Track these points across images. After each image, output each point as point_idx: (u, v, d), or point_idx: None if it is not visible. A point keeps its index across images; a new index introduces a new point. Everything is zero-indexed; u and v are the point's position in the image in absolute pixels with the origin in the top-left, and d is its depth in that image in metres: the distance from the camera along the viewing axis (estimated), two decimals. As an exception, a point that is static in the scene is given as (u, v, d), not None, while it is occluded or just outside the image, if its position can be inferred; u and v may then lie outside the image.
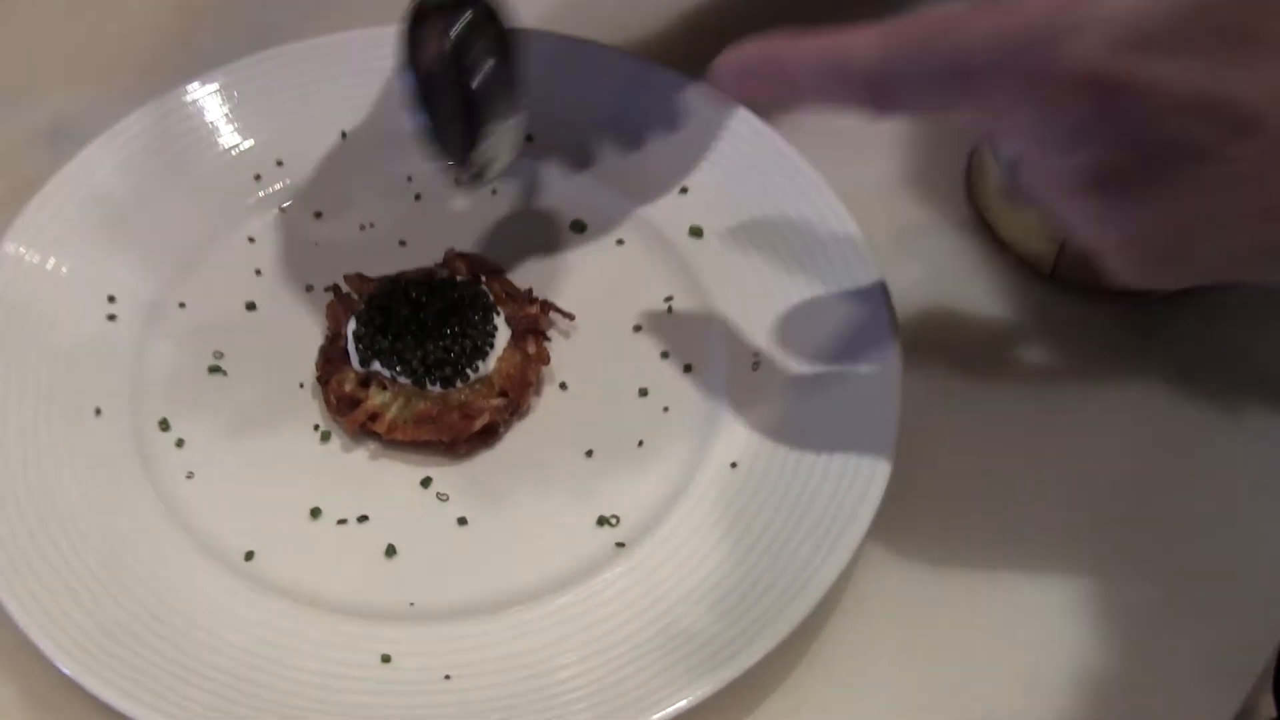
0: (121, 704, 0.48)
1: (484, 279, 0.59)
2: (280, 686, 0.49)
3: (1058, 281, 0.63)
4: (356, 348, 0.56)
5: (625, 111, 0.65)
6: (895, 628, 0.53)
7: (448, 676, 0.49)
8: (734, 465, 0.55)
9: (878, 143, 0.68)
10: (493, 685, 0.49)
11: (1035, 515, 0.56)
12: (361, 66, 0.66)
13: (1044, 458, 0.58)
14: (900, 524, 0.54)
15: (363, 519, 0.54)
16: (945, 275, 0.64)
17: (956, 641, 0.53)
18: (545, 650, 0.50)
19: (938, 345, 0.60)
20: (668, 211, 0.63)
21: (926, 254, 0.64)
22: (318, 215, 0.63)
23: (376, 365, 0.56)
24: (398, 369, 0.55)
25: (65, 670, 0.49)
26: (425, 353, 0.55)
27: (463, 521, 0.54)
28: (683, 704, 0.47)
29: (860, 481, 0.53)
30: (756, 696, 0.51)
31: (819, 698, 0.51)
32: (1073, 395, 0.60)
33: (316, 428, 0.57)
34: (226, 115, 0.65)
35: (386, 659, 0.50)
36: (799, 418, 0.56)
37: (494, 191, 0.64)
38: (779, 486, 0.54)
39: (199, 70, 0.65)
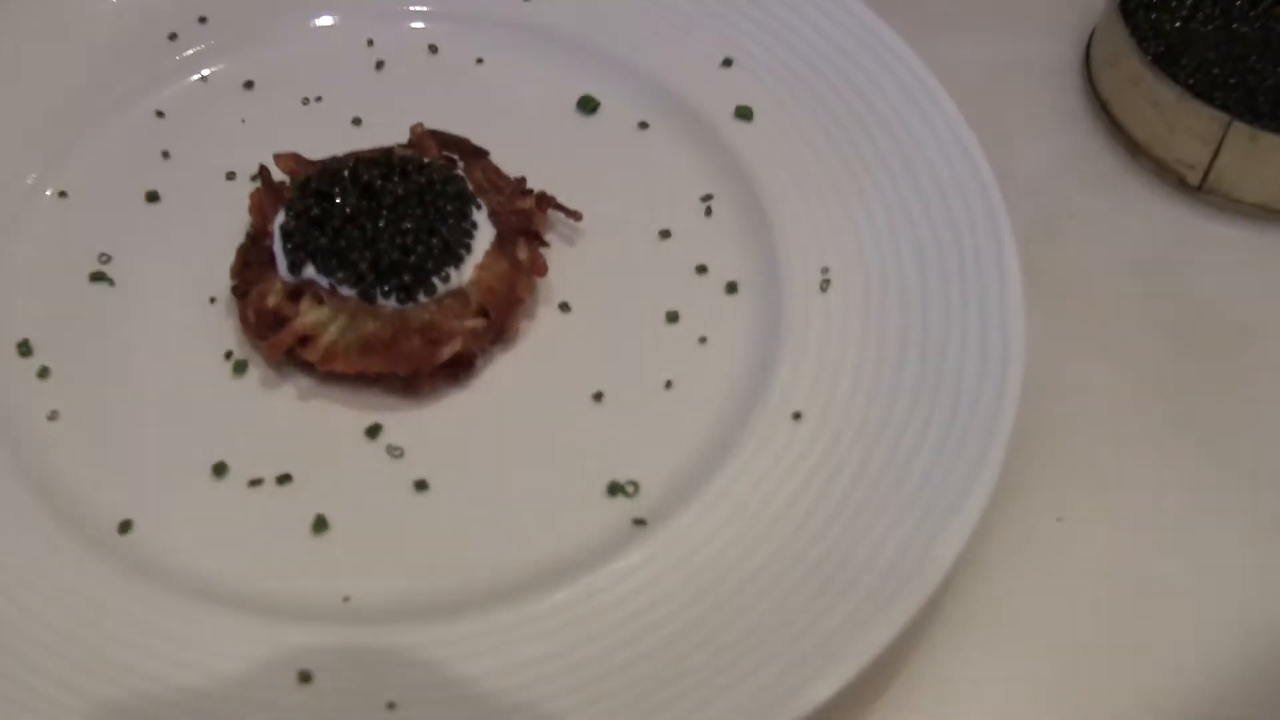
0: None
1: (461, 163, 0.44)
2: (161, 711, 0.34)
3: (1208, 195, 0.48)
4: (285, 247, 0.41)
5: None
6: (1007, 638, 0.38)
7: (391, 705, 0.34)
8: (797, 416, 0.40)
9: (977, 16, 0.53)
10: (449, 718, 0.34)
11: (1194, 501, 0.41)
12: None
13: (1199, 422, 0.43)
14: (1021, 505, 0.39)
15: (284, 479, 0.40)
16: (1065, 184, 0.50)
17: (1080, 662, 0.38)
18: (527, 670, 0.35)
19: (1060, 271, 0.46)
20: (706, 86, 0.48)
21: (1040, 157, 0.51)
22: (248, 85, 0.49)
23: (310, 271, 0.41)
24: (338, 275, 0.41)
25: None
26: (376, 253, 0.41)
27: (421, 486, 0.40)
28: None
29: (972, 446, 0.38)
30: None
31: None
32: (1232, 340, 0.45)
33: (229, 355, 0.42)
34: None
35: (306, 677, 0.35)
36: (887, 357, 0.41)
37: (479, 60, 0.49)
38: (860, 447, 0.39)
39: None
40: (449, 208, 0.42)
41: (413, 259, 0.41)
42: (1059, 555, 0.40)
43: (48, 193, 0.46)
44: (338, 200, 0.42)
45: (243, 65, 0.49)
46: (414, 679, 0.35)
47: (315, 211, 0.42)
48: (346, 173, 0.42)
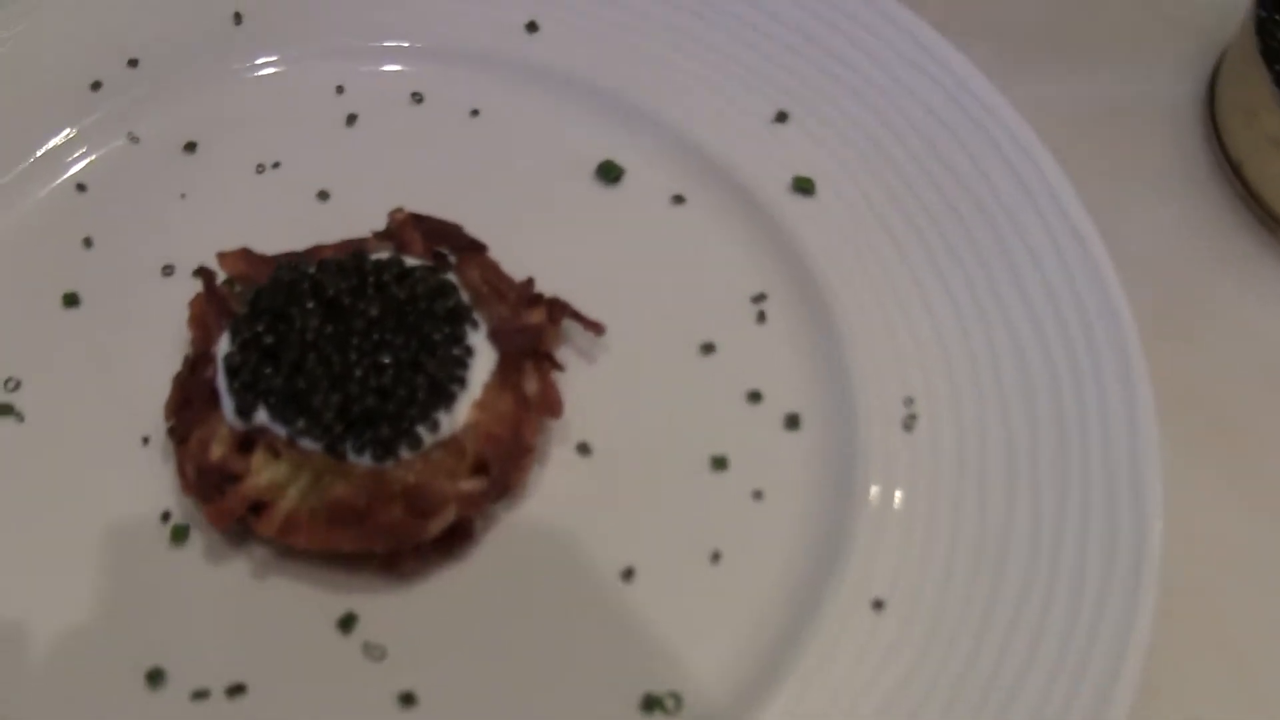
0: None
1: (453, 259, 0.35)
2: None
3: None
4: (231, 385, 0.33)
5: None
6: None
7: None
8: (878, 605, 0.32)
9: (1085, 53, 0.44)
10: None
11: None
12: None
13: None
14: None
15: (235, 691, 0.32)
16: (1188, 270, 0.41)
17: None
18: None
19: (1186, 381, 0.37)
20: (756, 150, 0.38)
21: (1155, 233, 0.41)
22: (189, 148, 0.40)
23: (262, 416, 0.32)
24: (298, 424, 0.32)
25: None
26: (346, 395, 0.32)
27: (408, 700, 0.31)
28: None
29: (1100, 654, 0.30)
30: None
31: None
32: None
33: (166, 517, 0.34)
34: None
35: None
36: (990, 523, 0.32)
37: (474, 112, 0.40)
38: (963, 649, 0.30)
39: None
40: (438, 330, 0.33)
41: (392, 405, 0.32)
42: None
43: (-56, 293, 0.37)
44: (296, 323, 0.33)
45: (182, 121, 0.40)
46: None
47: (268, 339, 0.33)
48: (307, 284, 0.33)
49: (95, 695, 0.32)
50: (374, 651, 0.32)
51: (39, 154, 0.39)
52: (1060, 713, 0.30)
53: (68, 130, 0.40)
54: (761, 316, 0.37)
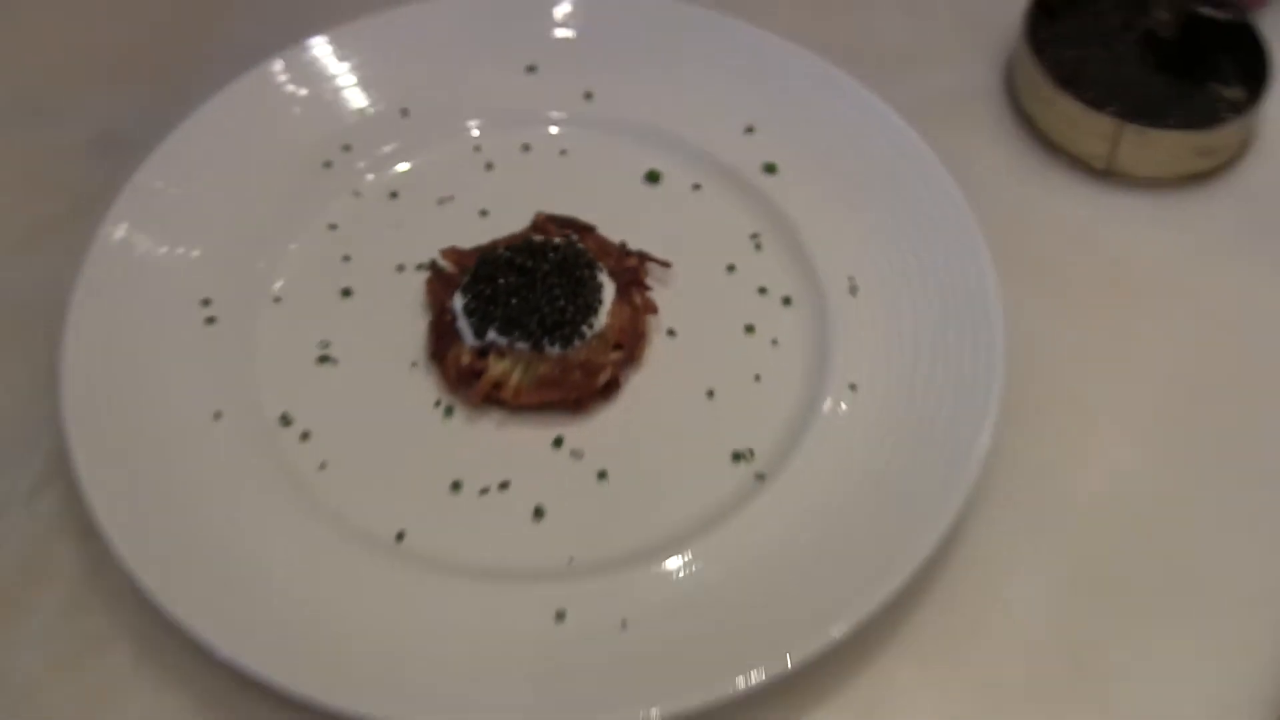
0: (314, 695, 0.48)
1: (576, 237, 0.60)
2: (455, 659, 0.50)
3: (1112, 176, 0.66)
4: (470, 321, 0.57)
5: (680, 56, 0.66)
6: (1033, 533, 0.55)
7: (624, 624, 0.51)
8: (853, 387, 0.57)
9: (922, 58, 0.70)
10: (665, 629, 0.50)
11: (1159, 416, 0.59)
12: (408, 43, 0.66)
13: (1142, 346, 0.60)
14: (1023, 434, 0.56)
15: (504, 485, 0.55)
16: (1008, 181, 0.66)
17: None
18: (712, 589, 0.51)
19: (1017, 250, 0.62)
20: (739, 152, 0.64)
21: (986, 162, 0.66)
22: (393, 195, 0.64)
23: (492, 335, 0.57)
24: (515, 335, 0.56)
25: (242, 664, 0.49)
26: (541, 316, 0.56)
27: (603, 475, 0.56)
28: (866, 612, 0.49)
29: (979, 390, 0.55)
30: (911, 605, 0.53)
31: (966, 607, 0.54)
32: (1150, 281, 0.62)
33: (438, 403, 0.58)
34: (285, 106, 0.65)
35: (561, 615, 0.51)
36: (906, 334, 0.57)
37: (563, 152, 0.65)
38: (900, 401, 0.56)
39: (239, 62, 0.65)
40: (581, 274, 0.58)
41: (567, 316, 0.57)
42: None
43: (267, 301, 0.61)
44: (501, 281, 0.57)
45: (386, 180, 0.64)
46: (635, 606, 0.51)
47: (488, 291, 0.57)
48: (503, 258, 0.58)
49: (425, 501, 0.55)
50: (576, 454, 0.56)
51: (303, 210, 0.63)
52: (960, 432, 0.55)
53: (317, 193, 0.64)
54: (759, 246, 0.61)
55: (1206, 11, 0.67)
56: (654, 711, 0.47)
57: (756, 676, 0.48)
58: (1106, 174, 0.66)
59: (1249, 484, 0.57)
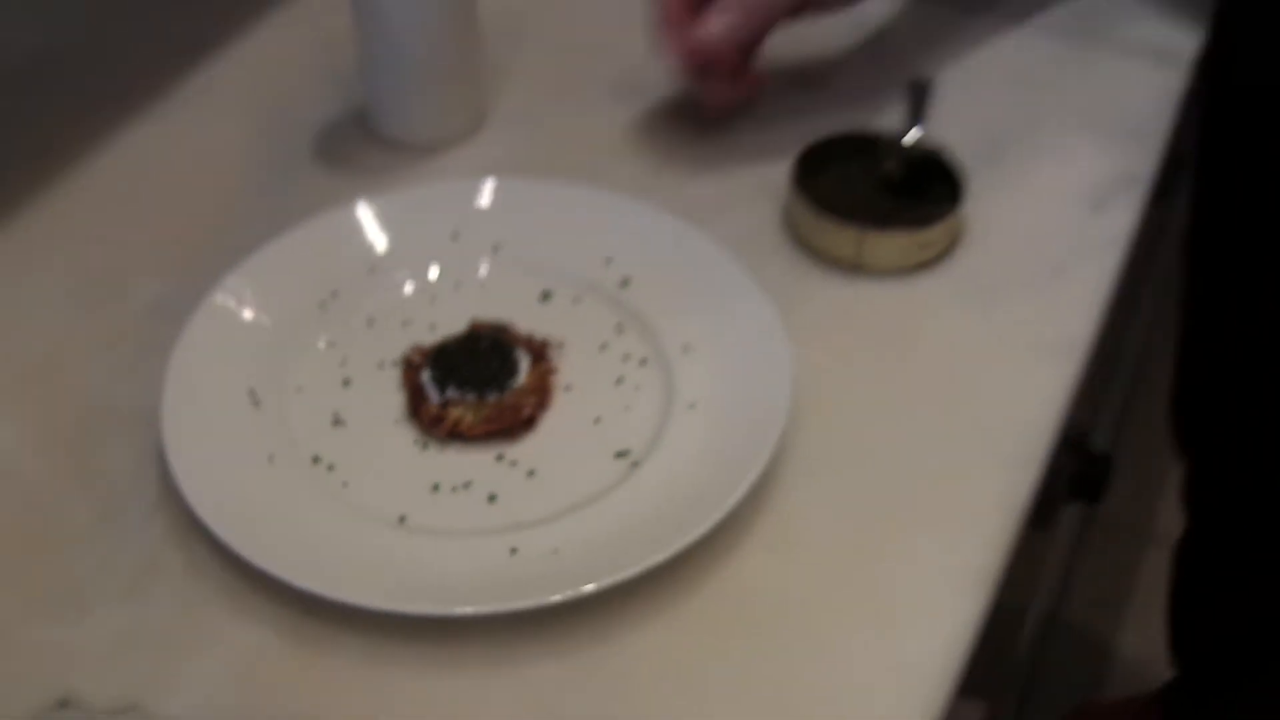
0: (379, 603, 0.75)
1: (502, 330, 0.91)
2: (452, 582, 0.77)
3: (860, 269, 0.98)
4: (434, 385, 0.87)
5: (565, 216, 0.98)
6: (820, 498, 0.85)
7: (555, 551, 0.79)
8: (692, 406, 0.87)
9: (726, 204, 1.03)
10: (581, 551, 0.79)
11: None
12: (384, 225, 0.98)
13: (885, 380, 0.92)
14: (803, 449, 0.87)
15: (467, 485, 0.84)
16: (789, 279, 0.97)
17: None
18: (599, 533, 0.80)
19: (798, 322, 0.93)
20: (603, 273, 0.96)
21: (774, 268, 0.98)
22: (370, 323, 0.94)
23: (450, 392, 0.86)
24: (465, 390, 0.86)
25: (325, 594, 0.75)
26: (482, 377, 0.86)
27: (531, 474, 0.84)
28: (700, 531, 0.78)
29: (774, 406, 0.85)
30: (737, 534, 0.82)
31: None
32: (891, 339, 0.94)
33: (417, 440, 0.86)
34: (295, 278, 0.95)
35: (514, 550, 0.79)
36: (725, 375, 0.88)
37: (483, 285, 0.96)
38: (722, 419, 0.86)
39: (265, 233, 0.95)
40: (505, 351, 0.88)
41: (498, 377, 0.86)
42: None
43: (292, 389, 0.90)
44: (455, 358, 0.87)
45: (364, 314, 0.95)
46: (565, 539, 0.79)
47: (445, 365, 0.87)
48: (453, 346, 0.88)
49: (416, 495, 0.83)
50: (512, 462, 0.84)
51: (309, 338, 0.93)
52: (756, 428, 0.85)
53: (313, 329, 0.94)
54: (620, 329, 0.93)
55: (919, 152, 1.02)
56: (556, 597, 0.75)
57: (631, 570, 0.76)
58: (856, 268, 0.99)
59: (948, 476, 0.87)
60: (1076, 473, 1.25)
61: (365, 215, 0.98)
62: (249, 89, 1.14)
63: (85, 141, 1.08)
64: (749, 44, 1.00)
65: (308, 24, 1.21)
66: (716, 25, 0.96)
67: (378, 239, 0.97)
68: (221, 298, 0.91)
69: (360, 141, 1.09)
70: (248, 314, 0.91)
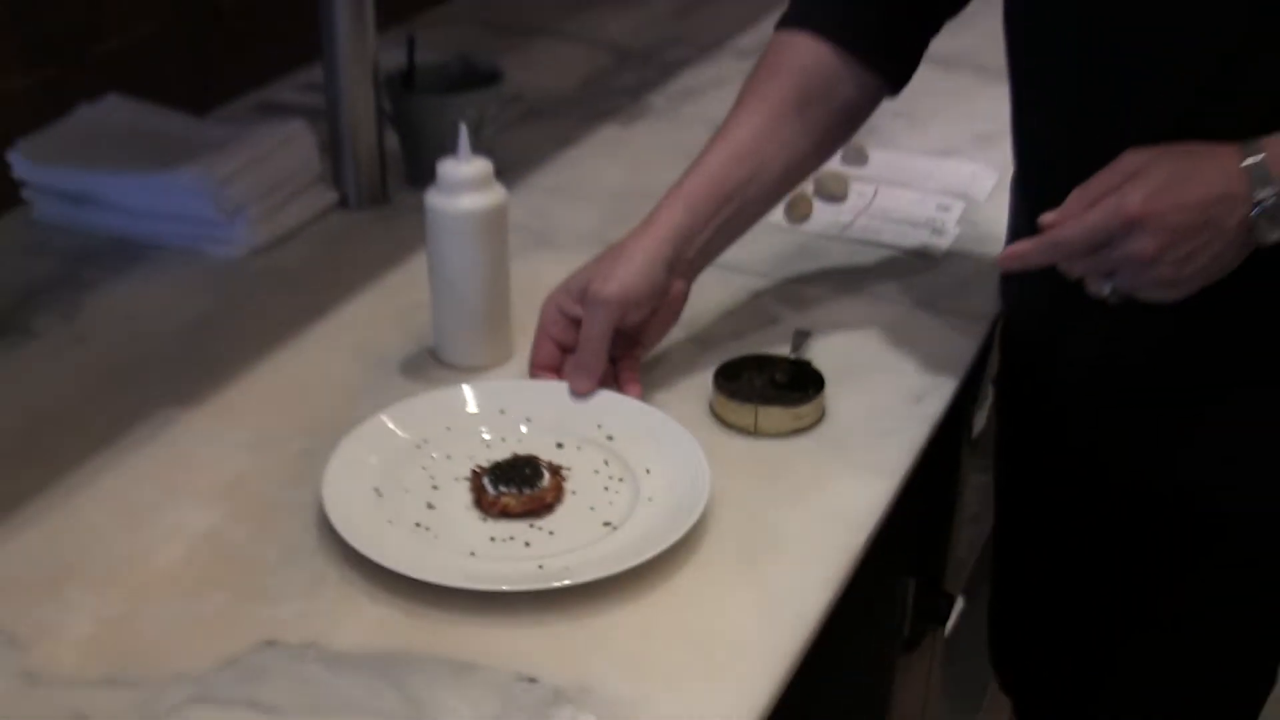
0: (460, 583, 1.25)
1: (531, 459, 1.45)
2: (502, 574, 1.28)
3: (759, 435, 1.54)
4: (492, 484, 1.40)
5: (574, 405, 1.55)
6: (732, 544, 1.37)
7: (565, 567, 1.30)
8: (650, 499, 1.40)
9: (674, 401, 1.59)
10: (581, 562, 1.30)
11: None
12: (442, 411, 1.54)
13: (782, 501, 1.45)
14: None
15: (511, 537, 1.36)
16: (714, 440, 1.53)
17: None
18: (585, 559, 1.32)
19: (716, 462, 1.48)
20: (595, 433, 1.51)
21: (703, 435, 1.53)
22: (447, 457, 1.48)
23: (501, 489, 1.40)
24: (513, 489, 1.40)
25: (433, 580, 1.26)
26: (522, 481, 1.40)
27: (551, 533, 1.37)
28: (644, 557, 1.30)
29: (695, 508, 1.38)
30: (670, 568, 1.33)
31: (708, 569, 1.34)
32: (774, 472, 1.48)
33: (479, 518, 1.39)
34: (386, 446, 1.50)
35: (540, 566, 1.30)
36: (675, 481, 1.42)
37: (520, 439, 1.52)
38: (666, 507, 1.39)
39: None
40: (535, 467, 1.42)
41: (531, 481, 1.40)
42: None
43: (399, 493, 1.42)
44: (505, 471, 1.41)
45: (441, 453, 1.49)
46: (575, 555, 1.30)
47: (500, 475, 1.40)
48: (504, 464, 1.42)
49: (476, 544, 1.34)
50: (540, 529, 1.36)
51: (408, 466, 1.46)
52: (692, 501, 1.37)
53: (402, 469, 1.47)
54: (607, 463, 1.47)
55: (798, 366, 1.59)
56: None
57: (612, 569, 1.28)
58: (755, 433, 1.54)
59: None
60: (926, 605, 1.76)
61: (447, 396, 1.54)
62: (355, 337, 1.73)
63: (257, 356, 1.65)
64: (612, 354, 1.50)
65: (390, 297, 1.81)
66: (582, 385, 1.49)
67: (455, 411, 1.53)
68: (350, 444, 1.45)
69: (430, 366, 1.66)
70: (370, 455, 1.46)
